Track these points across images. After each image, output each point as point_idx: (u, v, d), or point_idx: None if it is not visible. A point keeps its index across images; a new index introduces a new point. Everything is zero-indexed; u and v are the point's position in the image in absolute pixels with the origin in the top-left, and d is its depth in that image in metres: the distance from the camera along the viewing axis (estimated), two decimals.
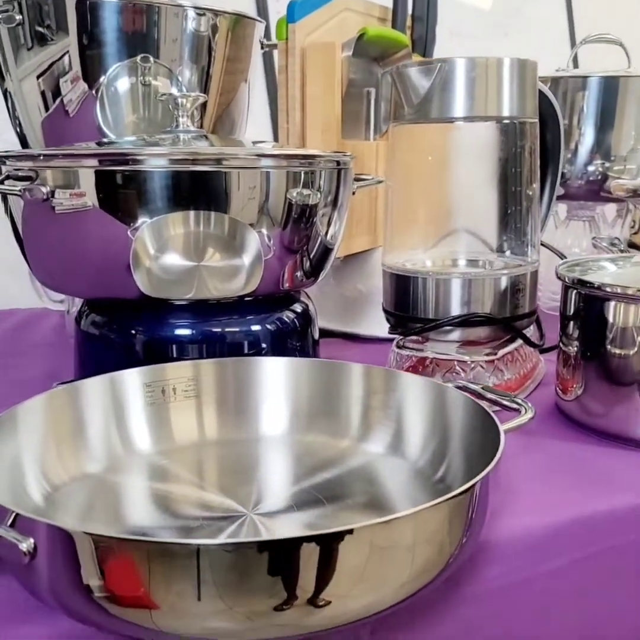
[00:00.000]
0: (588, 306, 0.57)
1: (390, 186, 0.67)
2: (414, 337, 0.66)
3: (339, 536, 0.33)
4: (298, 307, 0.66)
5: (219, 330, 0.62)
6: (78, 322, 0.66)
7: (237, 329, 0.62)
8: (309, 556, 0.33)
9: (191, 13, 0.75)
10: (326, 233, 0.63)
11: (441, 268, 0.68)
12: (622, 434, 0.56)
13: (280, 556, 0.33)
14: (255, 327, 0.63)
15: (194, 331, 0.61)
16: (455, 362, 0.63)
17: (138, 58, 0.75)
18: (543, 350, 0.70)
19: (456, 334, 0.65)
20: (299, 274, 0.63)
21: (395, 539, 0.34)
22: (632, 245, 0.79)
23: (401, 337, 0.66)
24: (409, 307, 0.66)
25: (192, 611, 0.34)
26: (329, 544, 0.33)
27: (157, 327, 0.61)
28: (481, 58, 0.62)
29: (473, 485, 0.37)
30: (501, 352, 0.63)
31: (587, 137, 0.97)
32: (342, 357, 0.76)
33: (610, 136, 0.97)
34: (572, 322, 0.58)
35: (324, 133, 0.77)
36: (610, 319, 0.55)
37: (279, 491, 0.47)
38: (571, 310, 0.58)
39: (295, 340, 0.64)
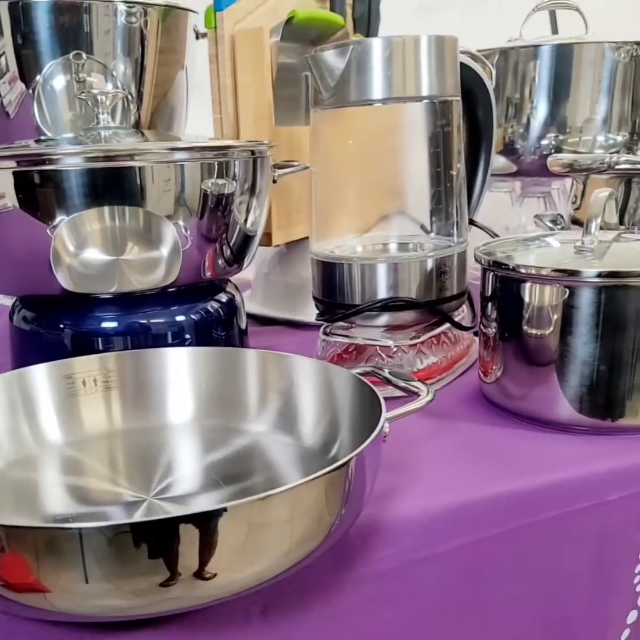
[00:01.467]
0: (504, 287, 0.58)
1: (314, 173, 0.68)
2: (342, 324, 0.68)
3: (212, 515, 0.35)
4: (223, 297, 0.68)
5: (143, 321, 0.64)
6: (11, 317, 0.68)
7: (161, 320, 0.65)
8: (186, 535, 0.35)
9: (121, 6, 0.77)
10: (245, 220, 0.65)
11: (370, 253, 0.70)
12: (541, 416, 0.58)
13: (158, 537, 0.35)
14: (180, 318, 0.65)
15: (119, 324, 0.64)
16: (377, 348, 0.64)
17: (71, 55, 0.77)
18: (477, 332, 0.72)
19: (382, 319, 0.67)
20: (220, 262, 0.65)
21: (271, 514, 0.37)
22: (575, 221, 0.80)
23: (327, 323, 0.68)
24: (336, 293, 0.68)
25: (83, 592, 0.36)
26: (203, 522, 0.35)
27: (83, 321, 0.64)
28: (397, 37, 0.63)
29: (346, 463, 0.39)
30: (425, 336, 0.65)
31: (539, 110, 0.98)
32: (279, 344, 0.79)
33: (565, 107, 0.97)
34: (490, 304, 0.60)
35: (256, 122, 0.79)
36: (526, 300, 0.56)
37: (180, 476, 0.50)
38: (489, 291, 0.60)
39: (220, 330, 0.67)
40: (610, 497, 0.52)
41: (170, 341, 0.65)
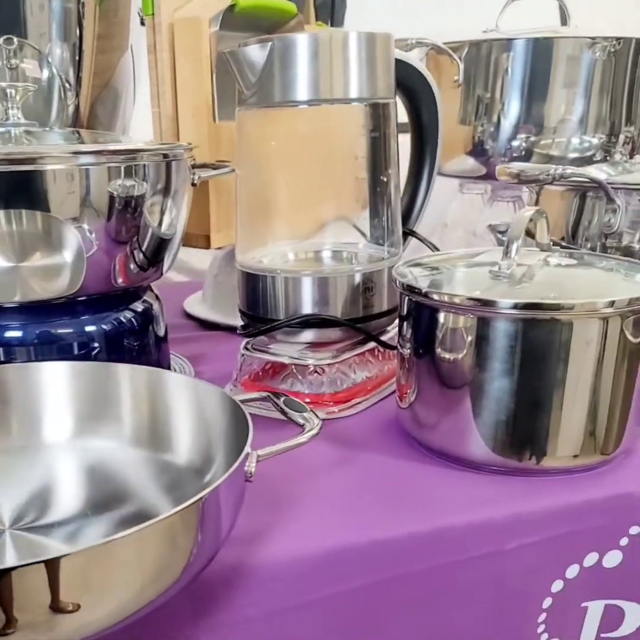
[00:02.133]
0: (417, 312, 0.55)
1: (239, 176, 0.65)
2: (264, 339, 0.65)
3: (50, 563, 0.33)
4: (139, 306, 0.66)
5: (50, 331, 0.62)
6: None
7: (69, 330, 0.62)
8: (23, 583, 0.34)
9: None
10: (160, 224, 0.62)
11: (297, 265, 0.67)
12: (451, 451, 0.54)
13: None
14: (89, 328, 0.63)
15: (24, 333, 0.61)
16: (293, 366, 0.61)
17: (1, 40, 0.74)
18: None
19: (306, 336, 0.64)
20: (132, 267, 0.63)
21: (117, 558, 0.35)
22: (529, 233, 0.76)
23: (249, 338, 0.65)
24: (259, 306, 0.65)
25: None
26: (42, 569, 0.33)
27: None
28: (323, 33, 0.60)
29: (193, 503, 0.37)
30: (345, 356, 0.62)
31: (511, 108, 0.93)
32: (214, 353, 0.76)
33: (538, 106, 0.93)
34: (405, 324, 0.56)
35: (194, 116, 0.76)
36: (438, 328, 0.53)
37: (46, 502, 0.48)
38: (404, 311, 0.56)
39: (133, 340, 0.64)
40: (509, 545, 0.49)
41: (77, 352, 0.62)
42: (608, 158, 0.95)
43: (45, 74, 0.77)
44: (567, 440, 0.52)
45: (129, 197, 0.59)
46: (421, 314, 0.54)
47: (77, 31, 0.77)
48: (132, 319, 0.65)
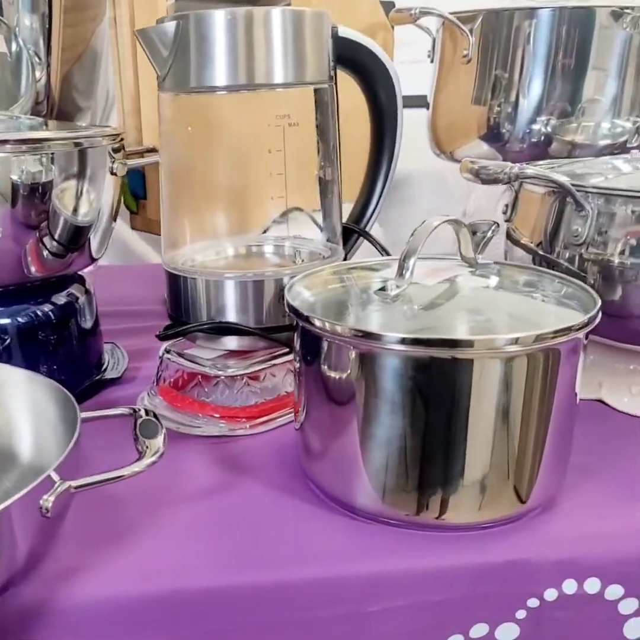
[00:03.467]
0: (303, 336, 0.48)
1: (162, 165, 0.61)
2: (186, 342, 0.61)
3: None
4: (61, 298, 0.63)
5: None
6: None
7: None
8: None
9: None
10: (74, 211, 0.59)
11: (229, 264, 0.62)
12: (338, 495, 0.48)
13: None
14: (3, 320, 0.61)
15: None
16: (199, 376, 0.57)
17: None
18: None
19: (227, 343, 0.60)
20: (45, 255, 0.60)
21: None
22: (508, 235, 0.68)
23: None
24: (181, 309, 0.61)
25: None
26: None
27: None
28: (241, 10, 0.54)
29: None
30: (256, 367, 0.57)
31: (533, 86, 0.83)
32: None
33: (564, 84, 0.82)
34: (296, 344, 0.50)
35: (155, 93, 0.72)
36: (323, 356, 0.46)
37: None
38: (295, 333, 0.50)
39: (50, 333, 0.62)
40: (373, 607, 0.44)
41: None
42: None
43: (13, 46, 0.75)
44: (463, 493, 0.45)
45: (35, 184, 0.57)
46: (306, 339, 0.47)
47: (46, 3, 0.75)
48: (50, 312, 0.62)
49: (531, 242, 0.63)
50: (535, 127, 0.84)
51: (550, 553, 0.45)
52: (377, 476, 0.45)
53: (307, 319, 0.45)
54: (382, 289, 0.46)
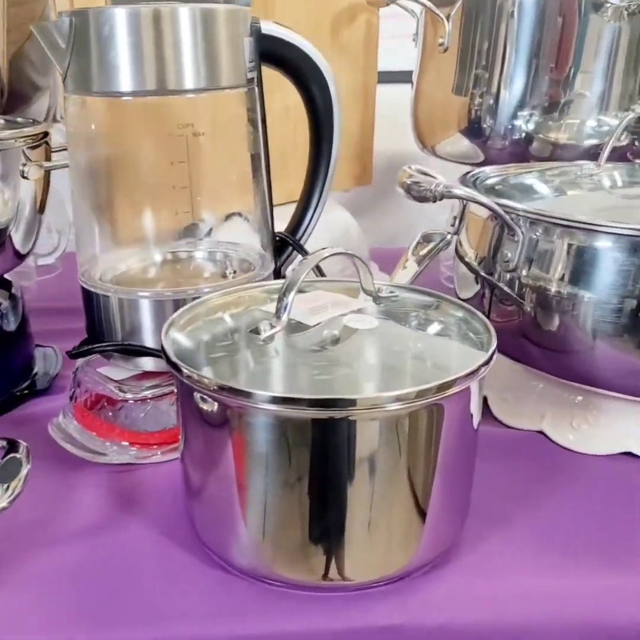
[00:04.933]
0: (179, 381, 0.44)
1: (70, 169, 0.58)
2: (102, 360, 0.59)
3: None
4: None
5: None
6: None
7: None
8: None
9: None
10: None
11: (147, 276, 0.60)
12: (213, 547, 0.45)
13: None
14: None
15: None
16: (105, 398, 0.55)
17: None
18: None
19: (144, 363, 0.57)
20: None
21: None
22: (456, 248, 0.63)
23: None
24: (96, 326, 0.59)
25: None
26: None
27: None
28: (146, 8, 0.50)
29: None
30: (153, 390, 0.55)
31: (516, 78, 0.78)
32: None
33: (550, 77, 0.77)
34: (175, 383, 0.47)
35: None
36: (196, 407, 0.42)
37: None
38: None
39: None
40: None
41: None
42: (637, 142, 0.78)
43: None
44: (340, 553, 0.42)
45: None
46: (178, 382, 0.44)
47: None
48: None
49: (474, 261, 0.59)
50: (517, 122, 0.79)
51: (427, 618, 0.42)
52: (251, 533, 0.42)
53: (175, 366, 0.42)
54: (255, 330, 0.43)
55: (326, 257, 0.43)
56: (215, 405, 0.40)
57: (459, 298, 0.61)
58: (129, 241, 0.60)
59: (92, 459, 0.54)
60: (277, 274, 0.62)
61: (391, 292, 0.48)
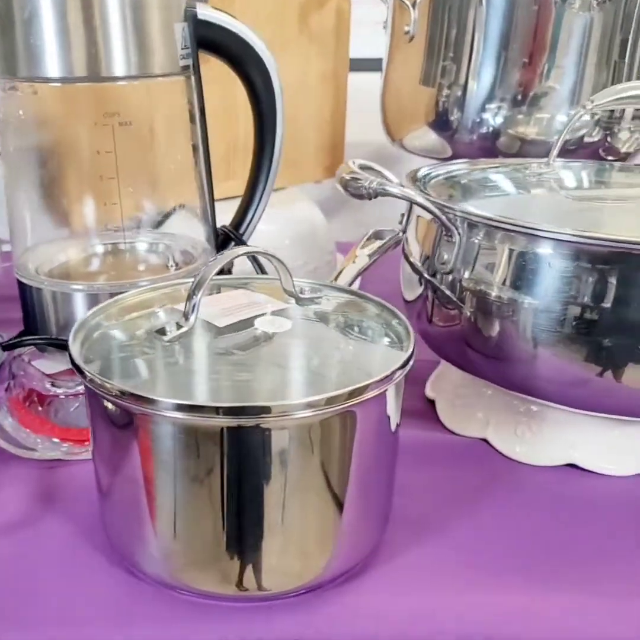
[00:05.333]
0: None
1: (3, 156, 0.56)
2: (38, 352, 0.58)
3: None
4: None
5: None
6: None
7: None
8: None
9: None
10: None
11: (81, 273, 0.58)
12: (125, 554, 0.43)
13: None
14: None
15: None
16: (35, 392, 0.54)
17: None
18: None
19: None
20: None
21: None
22: (403, 246, 0.61)
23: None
24: (30, 318, 0.57)
25: None
26: None
27: None
28: None
29: None
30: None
31: (485, 68, 0.75)
32: None
33: (519, 67, 0.74)
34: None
35: None
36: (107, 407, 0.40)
37: None
38: None
39: None
40: None
41: None
42: (609, 139, 0.75)
43: None
44: (248, 563, 0.40)
45: None
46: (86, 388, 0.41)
47: None
48: None
49: (418, 261, 0.56)
50: (486, 116, 0.76)
51: (333, 632, 0.41)
52: (159, 542, 0.41)
53: (78, 369, 0.40)
54: (161, 331, 0.41)
55: (239, 255, 0.42)
56: (119, 410, 0.39)
57: (404, 299, 0.60)
58: (63, 232, 0.58)
59: (22, 455, 0.53)
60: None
61: (314, 292, 0.47)
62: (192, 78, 0.54)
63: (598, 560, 0.47)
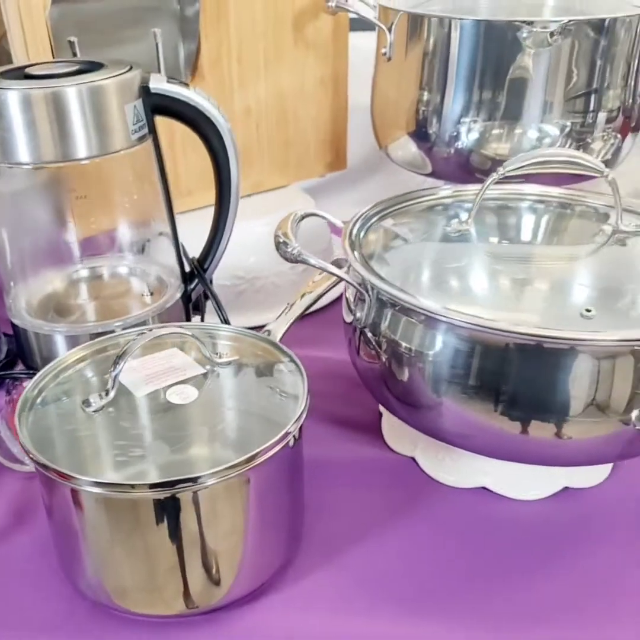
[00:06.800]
0: None
1: None
2: None
3: None
4: None
5: None
6: None
7: None
8: None
9: None
10: None
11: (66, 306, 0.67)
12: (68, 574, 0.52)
13: None
14: None
15: None
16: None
17: None
18: None
19: None
20: None
21: None
22: None
23: None
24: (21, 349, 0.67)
25: None
26: None
27: None
28: (37, 92, 0.56)
29: None
30: None
31: (458, 88, 0.77)
32: None
33: (490, 89, 0.76)
34: None
35: None
36: None
37: None
38: None
39: None
40: None
41: None
42: (582, 151, 0.77)
43: None
44: (164, 591, 0.49)
45: None
46: None
47: None
48: None
49: (352, 297, 0.61)
50: (462, 129, 0.79)
51: None
52: (92, 571, 0.50)
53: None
54: (86, 402, 0.50)
55: (160, 336, 0.50)
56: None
57: (344, 321, 0.64)
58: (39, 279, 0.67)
59: (10, 466, 0.63)
60: (189, 299, 0.68)
61: (229, 356, 0.54)
62: (151, 143, 0.60)
63: (494, 589, 0.53)
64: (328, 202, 1.02)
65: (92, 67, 0.58)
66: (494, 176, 0.57)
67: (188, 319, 0.69)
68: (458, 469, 0.62)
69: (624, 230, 0.58)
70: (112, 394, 0.49)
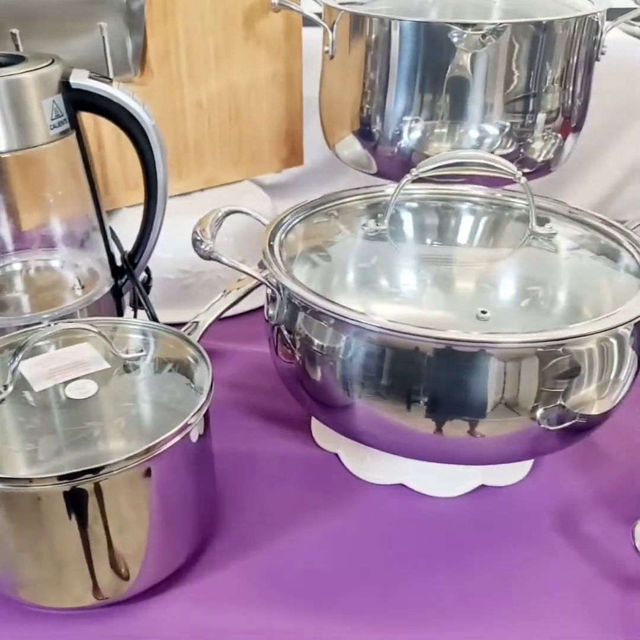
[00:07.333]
0: None
1: None
2: None
3: None
4: None
5: None
6: None
7: None
8: None
9: None
10: None
11: None
12: None
13: None
14: None
15: None
16: None
17: None
18: None
19: None
20: None
21: None
22: None
23: None
24: None
25: None
26: None
27: None
28: None
29: None
30: None
31: (400, 87, 0.77)
32: None
33: (430, 95, 0.76)
34: None
35: None
36: None
37: None
38: None
39: None
40: None
41: None
42: (523, 150, 0.77)
43: None
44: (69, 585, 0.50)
45: None
46: None
47: None
48: None
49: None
50: (404, 127, 0.78)
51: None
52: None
53: None
54: None
55: (60, 330, 0.50)
56: None
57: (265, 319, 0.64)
58: None
59: None
60: (119, 293, 0.68)
61: (138, 351, 0.54)
62: (74, 137, 0.60)
63: (409, 585, 0.54)
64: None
65: (12, 60, 0.58)
66: (408, 177, 0.57)
67: (120, 314, 0.69)
68: (378, 467, 0.63)
69: (538, 233, 0.58)
70: (10, 388, 0.49)
